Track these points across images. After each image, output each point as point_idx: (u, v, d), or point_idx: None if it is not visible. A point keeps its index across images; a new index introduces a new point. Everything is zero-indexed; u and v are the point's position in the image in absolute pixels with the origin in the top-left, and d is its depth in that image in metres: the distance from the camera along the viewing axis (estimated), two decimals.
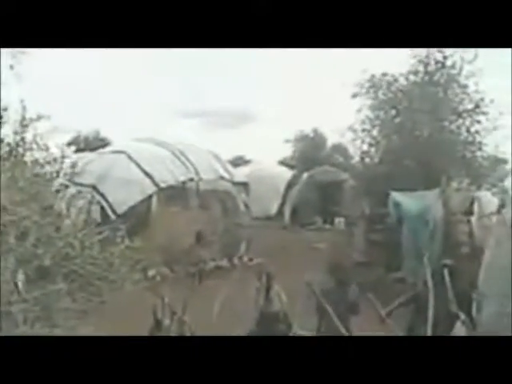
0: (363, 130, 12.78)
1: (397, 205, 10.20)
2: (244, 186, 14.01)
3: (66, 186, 5.70)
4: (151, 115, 37.46)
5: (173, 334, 5.13)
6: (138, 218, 10.97)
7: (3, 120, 4.95)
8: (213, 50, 19.57)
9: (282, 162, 25.18)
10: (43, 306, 3.68)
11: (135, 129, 33.54)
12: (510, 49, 3.07)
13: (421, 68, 12.45)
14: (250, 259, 12.73)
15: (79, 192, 9.38)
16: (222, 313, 6.61)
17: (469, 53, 11.73)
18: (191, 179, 12.46)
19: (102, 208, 11.05)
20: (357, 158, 13.88)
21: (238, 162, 24.88)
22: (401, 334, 5.34)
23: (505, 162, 13.14)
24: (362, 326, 5.39)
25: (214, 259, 12.20)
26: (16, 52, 5.44)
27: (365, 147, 12.99)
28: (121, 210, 11.12)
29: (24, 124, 4.95)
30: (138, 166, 11.97)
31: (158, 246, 10.35)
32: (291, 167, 22.78)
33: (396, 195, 10.28)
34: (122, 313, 6.31)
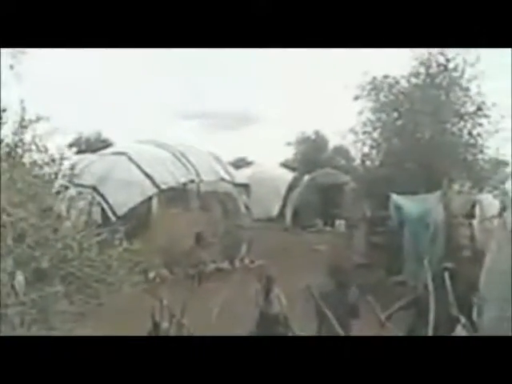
0: (364, 133, 12.77)
1: (398, 207, 10.18)
2: (245, 187, 14.00)
3: (66, 188, 5.67)
4: (152, 116, 37.52)
5: None
6: (138, 220, 10.95)
7: (3, 121, 4.94)
8: (214, 51, 19.63)
9: (284, 164, 25.23)
10: (40, 308, 3.66)
11: (136, 130, 33.63)
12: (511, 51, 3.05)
13: (422, 70, 12.44)
14: (251, 261, 12.72)
15: (79, 193, 9.37)
16: (221, 315, 6.60)
17: (471, 55, 11.73)
18: (192, 181, 12.46)
19: (103, 209, 11.04)
20: (358, 161, 13.87)
21: (240, 163, 24.91)
22: None
23: (506, 164, 13.12)
24: (362, 330, 5.36)
25: (214, 261, 12.19)
26: (16, 52, 5.44)
27: (366, 149, 12.99)
28: (121, 211, 11.12)
29: (23, 125, 4.94)
30: (139, 167, 11.97)
31: (158, 247, 10.34)
32: (293, 169, 22.81)
33: (397, 198, 10.25)
34: (120, 315, 6.29)
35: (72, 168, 5.83)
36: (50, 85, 27.21)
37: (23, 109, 5.02)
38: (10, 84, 5.24)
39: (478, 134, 12.26)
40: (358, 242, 12.56)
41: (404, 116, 12.35)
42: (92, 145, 25.01)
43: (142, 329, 5.10)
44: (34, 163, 4.90)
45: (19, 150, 4.87)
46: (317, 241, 14.86)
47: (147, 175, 11.84)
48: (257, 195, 14.94)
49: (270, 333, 5.72)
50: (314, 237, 16.02)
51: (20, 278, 3.67)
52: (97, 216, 10.40)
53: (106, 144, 23.12)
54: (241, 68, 39.57)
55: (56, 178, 4.98)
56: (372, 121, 12.72)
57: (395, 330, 5.39)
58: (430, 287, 5.18)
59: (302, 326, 5.79)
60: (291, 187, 19.90)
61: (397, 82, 12.61)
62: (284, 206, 19.41)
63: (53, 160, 4.94)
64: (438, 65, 12.34)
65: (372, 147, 12.90)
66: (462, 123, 12.32)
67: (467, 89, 12.21)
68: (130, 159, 12.18)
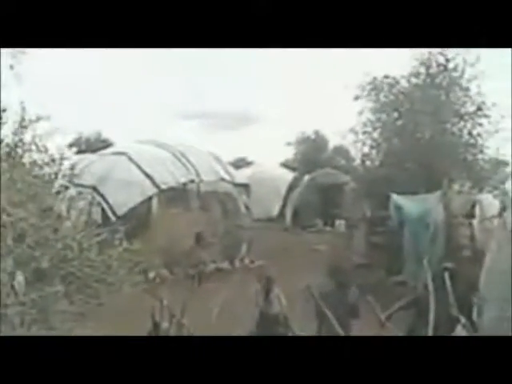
0: (364, 133, 12.77)
1: (398, 208, 10.17)
2: (245, 187, 14.00)
3: (66, 188, 5.67)
4: (152, 117, 37.50)
5: None
6: (138, 220, 10.95)
7: (3, 121, 4.94)
8: (214, 51, 19.62)
9: (284, 164, 25.23)
10: (40, 308, 3.66)
11: (136, 130, 33.62)
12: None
13: (422, 70, 12.44)
14: (251, 261, 12.72)
15: (80, 193, 9.37)
16: (221, 315, 6.59)
17: (471, 55, 11.73)
18: (192, 181, 12.46)
19: (103, 209, 11.04)
20: (358, 161, 13.87)
21: (240, 163, 24.91)
22: None
23: (506, 164, 13.11)
24: (362, 330, 5.36)
25: (214, 261, 12.19)
26: (16, 52, 5.43)
27: (366, 149, 12.99)
28: (121, 211, 11.12)
29: (23, 125, 4.93)
30: (139, 167, 11.97)
31: (158, 247, 10.33)
32: (293, 169, 22.81)
33: (397, 198, 10.25)
34: (120, 315, 6.29)
35: (72, 168, 5.83)
36: (50, 85, 27.20)
37: (23, 109, 5.02)
38: (10, 84, 5.24)
39: (478, 134, 12.25)
40: (357, 242, 12.56)
41: (404, 116, 12.35)
42: (92, 145, 25.01)
43: (142, 329, 5.09)
44: (33, 163, 4.90)
45: (19, 150, 4.87)
46: (317, 241, 14.85)
47: (147, 175, 11.84)
48: (257, 195, 14.94)
49: (270, 333, 5.71)
50: (314, 237, 16.01)
51: (20, 278, 3.67)
52: (97, 216, 10.41)
53: (106, 144, 23.12)
54: (241, 68, 39.58)
55: (56, 178, 4.98)
56: (372, 121, 12.71)
57: (395, 330, 5.39)
58: (430, 287, 5.18)
59: (302, 326, 5.78)
60: (291, 187, 19.90)
61: (397, 82, 12.60)
62: (284, 206, 19.42)
63: (53, 160, 4.94)
64: (438, 65, 12.34)
65: (372, 147, 12.89)
66: (462, 123, 12.32)
67: (467, 89, 12.20)
68: (130, 159, 12.18)
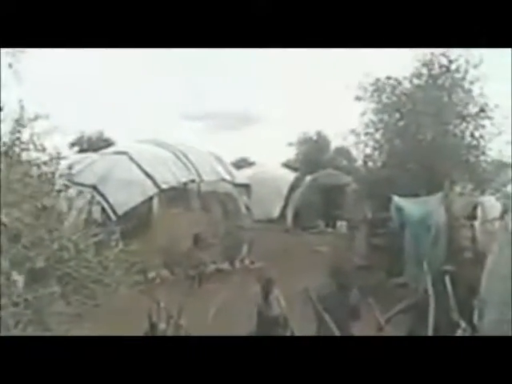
0: (366, 134, 12.74)
1: (399, 209, 10.15)
2: (246, 187, 13.97)
3: (67, 187, 5.65)
4: (154, 117, 37.57)
5: None
6: (139, 220, 10.95)
7: (2, 120, 4.92)
8: (214, 51, 19.64)
9: (285, 165, 25.23)
10: (36, 309, 3.64)
11: (138, 130, 33.68)
12: None
13: (425, 71, 12.41)
14: (252, 262, 12.70)
15: (80, 192, 9.37)
16: (220, 316, 6.56)
17: (473, 57, 11.70)
18: (192, 181, 12.45)
19: (103, 209, 11.03)
20: (360, 162, 13.84)
21: (241, 164, 24.94)
22: None
23: (508, 166, 13.07)
24: (362, 332, 5.33)
25: (214, 262, 12.17)
26: (15, 51, 5.41)
27: (368, 151, 12.96)
28: (121, 210, 11.10)
29: (21, 123, 4.91)
30: (140, 167, 11.96)
31: (158, 247, 10.34)
32: (294, 170, 22.79)
33: (398, 200, 10.22)
34: (117, 316, 6.25)
35: (70, 167, 5.80)
36: (49, 84, 27.28)
37: (22, 107, 5.00)
38: (10, 84, 5.22)
39: (481, 136, 12.22)
40: (359, 243, 12.53)
41: (406, 117, 12.32)
42: (94, 144, 25.08)
43: (139, 330, 5.07)
44: (31, 162, 4.86)
45: (16, 149, 4.84)
46: (318, 242, 14.83)
47: (148, 175, 11.83)
48: (258, 196, 14.91)
49: (269, 334, 5.69)
50: (315, 238, 15.99)
51: (17, 278, 3.66)
52: (97, 215, 10.42)
53: (107, 143, 23.18)
54: (242, 68, 39.66)
55: (53, 177, 4.95)
56: (374, 122, 12.69)
57: (395, 333, 5.36)
58: (430, 290, 5.16)
59: (302, 327, 5.76)
60: (293, 188, 19.87)
61: (399, 83, 12.57)
62: (285, 206, 19.38)
63: (50, 159, 4.91)
64: (441, 66, 12.31)
65: (374, 148, 12.87)
66: (464, 125, 12.29)
67: (470, 90, 12.17)
68: (131, 159, 12.16)
